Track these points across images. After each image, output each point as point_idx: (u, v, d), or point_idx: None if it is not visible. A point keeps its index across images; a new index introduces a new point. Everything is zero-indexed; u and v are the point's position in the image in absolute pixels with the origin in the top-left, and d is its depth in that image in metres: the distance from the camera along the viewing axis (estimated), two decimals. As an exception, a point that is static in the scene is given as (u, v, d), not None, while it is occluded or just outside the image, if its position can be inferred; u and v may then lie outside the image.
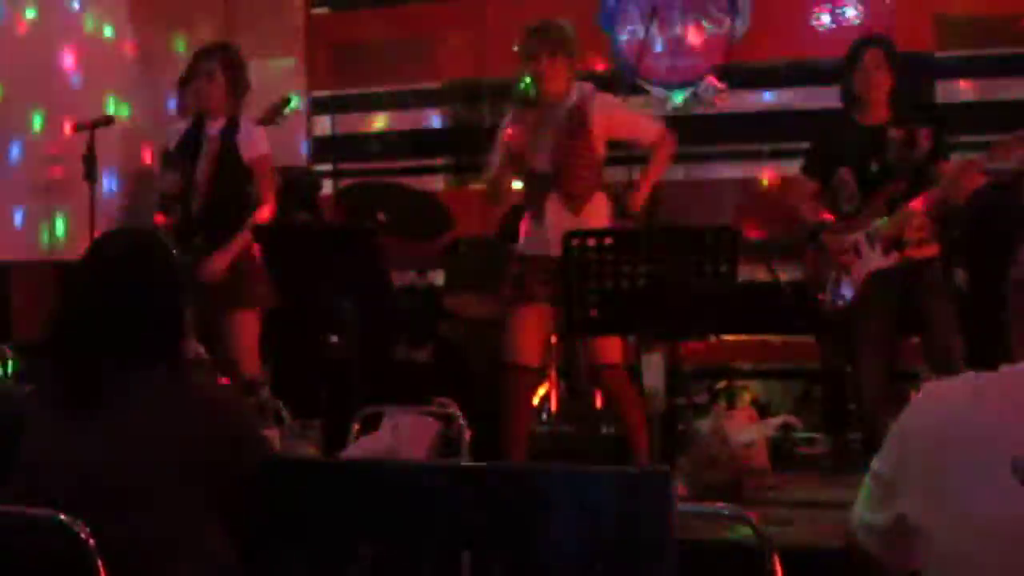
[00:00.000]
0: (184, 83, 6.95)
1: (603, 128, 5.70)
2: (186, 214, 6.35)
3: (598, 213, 5.68)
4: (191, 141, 6.34)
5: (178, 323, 3.02)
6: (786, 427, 6.28)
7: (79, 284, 3.05)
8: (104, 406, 2.89)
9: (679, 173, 8.41)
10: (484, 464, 3.34)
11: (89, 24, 7.96)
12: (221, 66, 6.27)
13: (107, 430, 2.86)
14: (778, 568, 2.85)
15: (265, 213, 6.24)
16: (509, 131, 5.71)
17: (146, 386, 2.90)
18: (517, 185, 6.11)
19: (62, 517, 2.71)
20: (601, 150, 5.73)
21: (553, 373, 6.83)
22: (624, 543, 2.59)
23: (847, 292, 6.05)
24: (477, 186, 8.40)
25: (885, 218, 5.96)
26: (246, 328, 6.30)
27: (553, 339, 6.10)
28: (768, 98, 8.60)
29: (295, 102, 8.39)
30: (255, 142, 6.32)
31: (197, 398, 2.96)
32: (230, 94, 6.30)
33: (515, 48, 5.73)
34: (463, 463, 4.10)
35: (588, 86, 5.79)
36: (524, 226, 5.84)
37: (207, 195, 6.29)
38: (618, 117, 5.82)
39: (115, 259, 3.03)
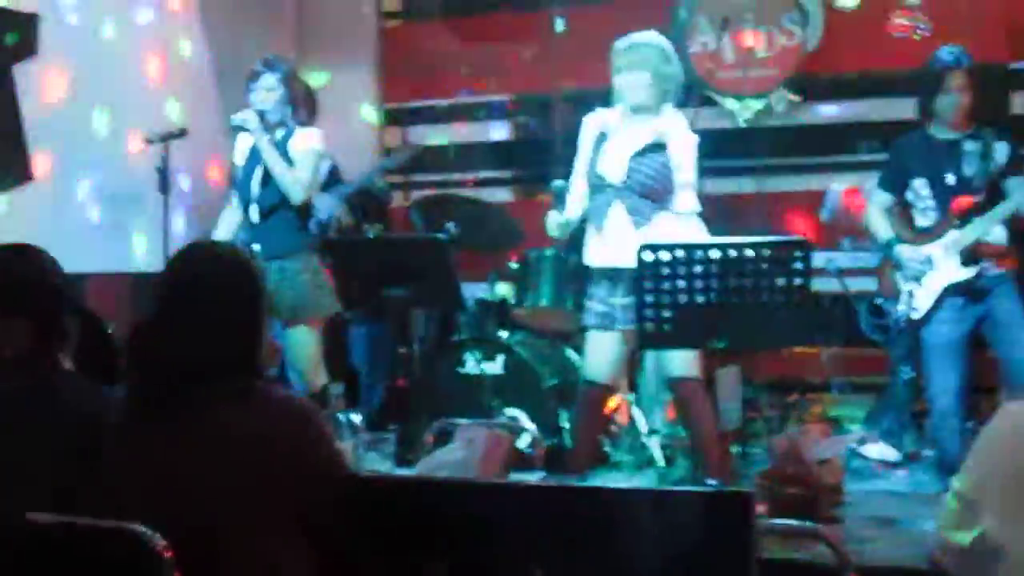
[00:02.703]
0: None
1: (676, 157, 5.64)
2: (246, 223, 6.42)
3: (661, 232, 5.59)
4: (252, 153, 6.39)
5: (259, 336, 3.02)
6: (860, 442, 6.23)
7: (162, 297, 3.03)
8: (184, 418, 2.90)
9: (751, 186, 8.38)
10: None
11: (164, 37, 8.02)
12: (279, 79, 6.34)
13: (186, 442, 2.87)
14: (856, 586, 2.82)
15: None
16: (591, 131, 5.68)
17: (225, 398, 2.90)
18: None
19: (140, 529, 2.71)
20: (675, 175, 5.64)
21: (624, 384, 6.80)
22: (704, 564, 2.57)
23: (921, 304, 5.99)
24: (544, 197, 8.43)
25: (961, 230, 5.90)
26: (311, 339, 6.33)
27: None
28: (840, 109, 8.55)
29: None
30: (301, 139, 6.35)
31: (276, 410, 2.95)
32: (287, 105, 6.37)
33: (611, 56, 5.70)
34: (537, 479, 4.09)
35: (677, 113, 5.73)
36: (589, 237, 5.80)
37: (261, 203, 6.35)
38: (685, 157, 5.69)
39: (199, 272, 3.04)
